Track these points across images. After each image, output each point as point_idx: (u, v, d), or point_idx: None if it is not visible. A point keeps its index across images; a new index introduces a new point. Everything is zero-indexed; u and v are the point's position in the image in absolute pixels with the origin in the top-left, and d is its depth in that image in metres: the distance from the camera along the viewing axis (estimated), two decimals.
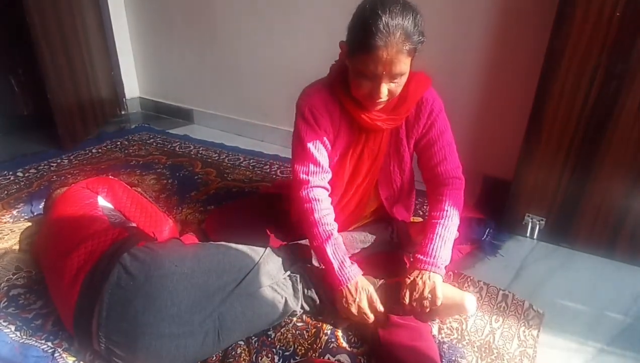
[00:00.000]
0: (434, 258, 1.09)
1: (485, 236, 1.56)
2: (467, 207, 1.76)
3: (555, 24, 1.32)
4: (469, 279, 1.35)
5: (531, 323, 1.19)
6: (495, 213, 1.67)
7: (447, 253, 1.11)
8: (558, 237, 1.56)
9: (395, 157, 1.22)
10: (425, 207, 1.79)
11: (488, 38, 1.71)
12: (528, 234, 1.60)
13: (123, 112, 2.93)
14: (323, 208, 1.12)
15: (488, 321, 1.20)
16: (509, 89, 1.74)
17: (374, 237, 1.26)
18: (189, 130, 2.67)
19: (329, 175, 1.16)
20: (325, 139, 1.14)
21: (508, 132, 1.77)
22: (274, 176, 2.06)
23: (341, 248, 1.11)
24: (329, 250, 1.09)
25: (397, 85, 1.02)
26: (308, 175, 1.12)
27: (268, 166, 2.15)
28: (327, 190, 1.15)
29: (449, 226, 1.14)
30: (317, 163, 1.12)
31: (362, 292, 1.07)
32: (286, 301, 1.12)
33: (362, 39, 0.94)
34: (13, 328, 1.11)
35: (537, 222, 1.57)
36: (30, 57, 2.24)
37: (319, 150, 1.13)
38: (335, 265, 1.08)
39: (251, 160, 2.22)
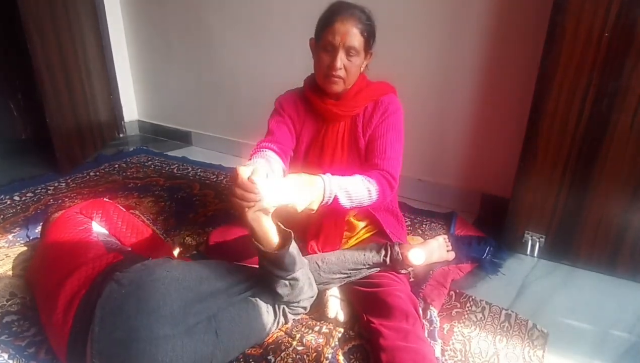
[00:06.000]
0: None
1: (485, 254, 1.55)
2: (466, 226, 1.77)
3: (545, 45, 1.36)
4: (470, 299, 1.34)
5: (536, 343, 1.17)
6: (494, 231, 1.67)
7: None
8: (559, 254, 1.56)
9: (354, 150, 1.30)
10: (424, 225, 1.79)
11: (482, 59, 1.75)
12: (528, 252, 1.59)
13: (121, 135, 2.96)
14: (263, 149, 1.20)
15: (492, 342, 1.18)
16: (504, 108, 1.77)
17: (367, 258, 1.25)
18: (187, 152, 2.69)
19: (282, 146, 1.25)
20: (289, 121, 1.31)
21: (505, 150, 1.79)
22: None
23: (265, 156, 1.16)
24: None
25: (351, 65, 1.18)
26: (262, 143, 1.24)
27: None
28: (275, 151, 1.21)
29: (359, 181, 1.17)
30: (272, 134, 1.27)
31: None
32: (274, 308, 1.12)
33: (326, 18, 1.19)
34: (6, 356, 1.08)
35: (537, 240, 1.56)
36: (29, 81, 2.27)
37: (279, 128, 1.29)
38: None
39: None
